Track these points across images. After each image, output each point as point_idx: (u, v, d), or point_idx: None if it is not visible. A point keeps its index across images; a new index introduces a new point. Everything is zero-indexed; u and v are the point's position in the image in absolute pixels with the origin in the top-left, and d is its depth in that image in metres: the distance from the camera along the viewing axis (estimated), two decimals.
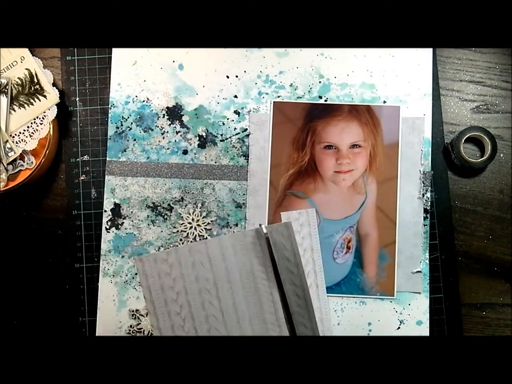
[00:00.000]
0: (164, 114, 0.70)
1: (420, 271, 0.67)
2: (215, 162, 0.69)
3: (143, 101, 0.70)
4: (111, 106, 0.70)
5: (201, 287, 0.59)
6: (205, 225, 0.68)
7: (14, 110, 0.68)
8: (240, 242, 0.60)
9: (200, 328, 0.59)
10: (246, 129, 0.69)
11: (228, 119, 0.70)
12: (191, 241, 0.68)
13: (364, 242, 0.68)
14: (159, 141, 0.70)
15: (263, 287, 0.60)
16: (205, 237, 0.68)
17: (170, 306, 0.59)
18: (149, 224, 0.69)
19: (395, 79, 0.69)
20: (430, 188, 0.68)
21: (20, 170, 0.68)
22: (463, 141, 0.67)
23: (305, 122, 0.68)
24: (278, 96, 0.69)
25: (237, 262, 0.59)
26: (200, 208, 0.69)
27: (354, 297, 0.67)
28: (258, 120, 0.69)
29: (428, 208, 0.68)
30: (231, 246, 0.60)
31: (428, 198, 0.68)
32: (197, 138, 0.70)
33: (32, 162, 0.68)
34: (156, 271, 0.59)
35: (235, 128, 0.69)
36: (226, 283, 0.59)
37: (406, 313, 0.67)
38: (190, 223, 0.68)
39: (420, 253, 0.67)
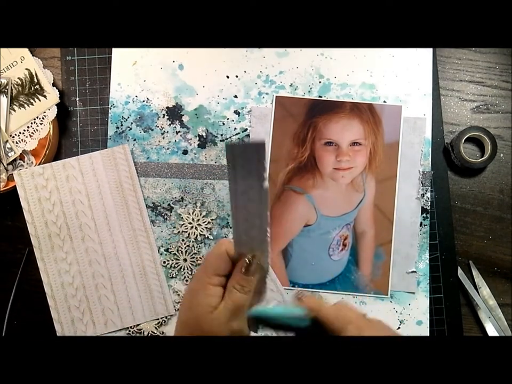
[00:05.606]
0: (164, 114, 0.70)
1: (415, 271, 0.67)
2: (215, 162, 0.69)
3: (143, 101, 0.70)
4: (111, 106, 0.70)
5: (75, 198, 0.65)
6: (205, 225, 0.68)
7: (14, 110, 0.68)
8: (109, 158, 0.66)
9: (75, 236, 0.65)
10: (246, 129, 0.69)
11: (227, 119, 0.70)
12: (192, 241, 0.68)
13: (360, 240, 0.68)
14: (159, 141, 0.70)
15: (131, 197, 0.67)
16: (206, 237, 0.68)
17: (47, 216, 0.65)
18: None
19: (395, 79, 0.69)
20: (430, 188, 0.68)
21: (20, 170, 0.68)
22: (463, 141, 0.67)
23: (306, 118, 0.68)
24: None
25: (107, 175, 0.65)
26: (200, 208, 0.69)
27: (353, 297, 0.67)
28: (260, 114, 0.69)
29: (428, 208, 0.68)
30: (101, 161, 0.66)
31: (428, 198, 0.68)
32: (197, 138, 0.70)
33: (32, 162, 0.68)
34: (33, 184, 0.65)
35: (235, 128, 0.69)
36: (98, 194, 0.65)
37: (406, 313, 0.67)
38: (190, 223, 0.68)
39: (416, 253, 0.67)
